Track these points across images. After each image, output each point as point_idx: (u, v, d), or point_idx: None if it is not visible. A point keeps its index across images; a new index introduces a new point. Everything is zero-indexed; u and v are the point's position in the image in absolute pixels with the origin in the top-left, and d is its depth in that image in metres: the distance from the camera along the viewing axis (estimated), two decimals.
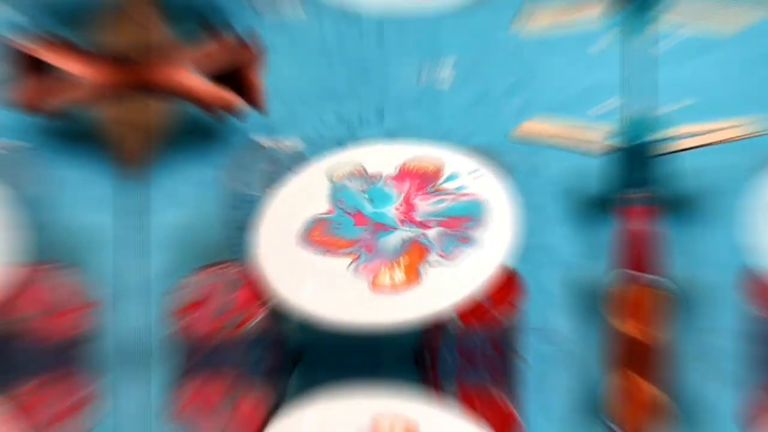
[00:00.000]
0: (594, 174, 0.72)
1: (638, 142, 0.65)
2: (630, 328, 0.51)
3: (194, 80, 0.66)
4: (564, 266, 0.69)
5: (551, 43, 0.78)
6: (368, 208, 0.61)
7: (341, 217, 0.60)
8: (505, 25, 0.80)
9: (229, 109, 0.67)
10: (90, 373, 0.59)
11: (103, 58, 0.63)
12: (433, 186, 0.63)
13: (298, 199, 0.61)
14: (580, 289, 0.67)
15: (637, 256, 0.61)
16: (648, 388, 0.54)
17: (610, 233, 0.68)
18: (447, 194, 0.61)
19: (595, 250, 0.68)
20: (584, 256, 0.69)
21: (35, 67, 0.61)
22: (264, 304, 0.53)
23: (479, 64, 0.82)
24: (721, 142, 0.61)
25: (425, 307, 0.53)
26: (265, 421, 0.55)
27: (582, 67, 0.77)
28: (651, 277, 0.56)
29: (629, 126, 0.66)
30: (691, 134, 0.62)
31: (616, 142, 0.67)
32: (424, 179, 0.63)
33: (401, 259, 0.57)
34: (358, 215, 0.60)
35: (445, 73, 0.82)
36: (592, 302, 0.65)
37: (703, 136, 0.61)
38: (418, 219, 0.60)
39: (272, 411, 0.56)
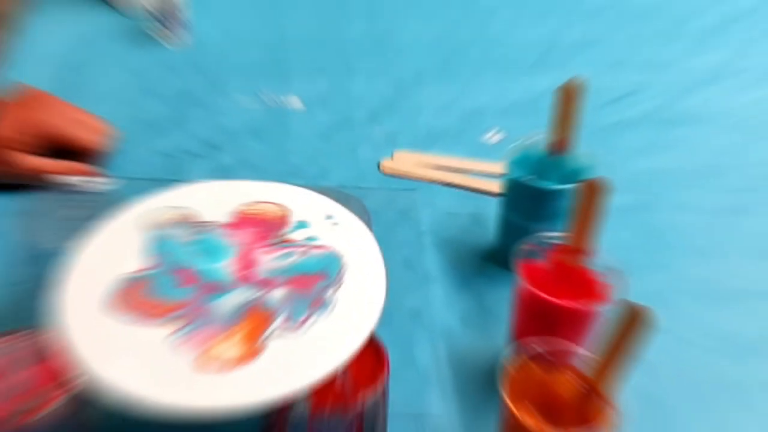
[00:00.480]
0: (480, 219, 0.60)
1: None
2: (521, 411, 0.36)
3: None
4: (442, 335, 0.50)
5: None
6: (198, 264, 0.41)
7: (163, 274, 0.40)
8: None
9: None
10: None
11: None
12: (279, 236, 0.43)
13: (110, 252, 0.41)
14: (459, 361, 0.49)
15: (534, 323, 0.46)
16: None
17: (502, 294, 0.53)
18: (296, 246, 0.42)
19: (479, 315, 0.52)
20: (465, 322, 0.51)
21: None
22: (66, 383, 0.35)
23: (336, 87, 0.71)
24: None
25: (266, 388, 0.34)
26: None
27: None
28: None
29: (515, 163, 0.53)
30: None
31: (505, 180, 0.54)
32: (267, 228, 0.43)
33: (238, 327, 0.37)
34: (185, 272, 0.40)
35: (293, 98, 0.68)
36: (474, 377, 0.48)
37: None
38: (259, 277, 0.40)
39: None
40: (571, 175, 0.53)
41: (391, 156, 0.63)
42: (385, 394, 0.39)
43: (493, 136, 0.66)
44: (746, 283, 0.57)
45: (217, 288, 0.41)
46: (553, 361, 0.41)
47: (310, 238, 0.44)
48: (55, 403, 0.35)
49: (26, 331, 0.38)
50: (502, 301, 0.53)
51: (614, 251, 0.47)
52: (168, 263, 0.42)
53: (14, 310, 0.48)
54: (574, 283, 0.46)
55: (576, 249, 0.46)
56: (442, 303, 0.53)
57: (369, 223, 0.45)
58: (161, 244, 0.43)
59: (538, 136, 0.54)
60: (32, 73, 0.67)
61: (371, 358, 0.39)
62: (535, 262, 0.47)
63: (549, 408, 0.40)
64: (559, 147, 0.53)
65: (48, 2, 0.77)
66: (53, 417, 0.35)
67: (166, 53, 0.71)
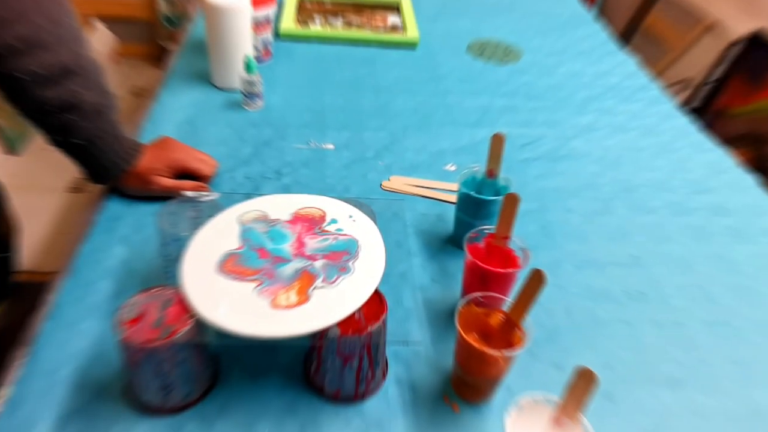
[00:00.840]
0: (443, 217, 0.58)
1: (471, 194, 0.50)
2: (469, 337, 0.36)
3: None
4: (419, 289, 0.49)
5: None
6: (269, 245, 0.40)
7: (248, 251, 0.39)
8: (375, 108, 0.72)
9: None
10: None
11: None
12: (319, 228, 0.42)
13: (216, 238, 0.41)
14: (430, 306, 0.48)
15: (476, 282, 0.44)
16: (476, 379, 0.39)
17: (457, 264, 0.53)
18: (330, 234, 0.42)
19: (443, 277, 0.51)
20: (434, 281, 0.50)
21: None
22: (190, 318, 0.34)
23: (354, 137, 0.69)
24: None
25: (312, 321, 0.34)
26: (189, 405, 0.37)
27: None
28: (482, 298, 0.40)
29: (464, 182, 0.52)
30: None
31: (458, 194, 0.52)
32: (312, 223, 0.43)
33: (294, 284, 0.37)
34: (262, 250, 0.39)
35: (328, 144, 0.66)
36: (440, 316, 0.47)
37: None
38: (307, 253, 0.40)
39: (197, 399, 0.37)
40: (498, 191, 0.52)
41: (389, 179, 0.62)
42: (384, 325, 0.38)
43: (450, 167, 0.65)
44: (603, 256, 0.56)
45: (281, 260, 0.40)
46: (488, 305, 0.41)
47: (338, 229, 0.43)
48: (183, 330, 0.34)
49: (166, 286, 0.37)
50: (457, 268, 0.53)
51: (524, 237, 0.47)
52: (251, 244, 0.41)
53: (160, 273, 0.47)
54: (500, 256, 0.46)
55: (501, 236, 0.46)
56: (419, 269, 0.52)
57: (374, 220, 0.44)
58: (247, 233, 0.42)
59: (478, 167, 0.53)
60: (165, 126, 0.66)
61: (376, 302, 0.38)
62: (477, 244, 0.47)
63: (486, 335, 0.40)
64: (491, 174, 0.52)
65: (175, 83, 0.75)
66: (182, 339, 0.34)
67: (249, 114, 0.70)
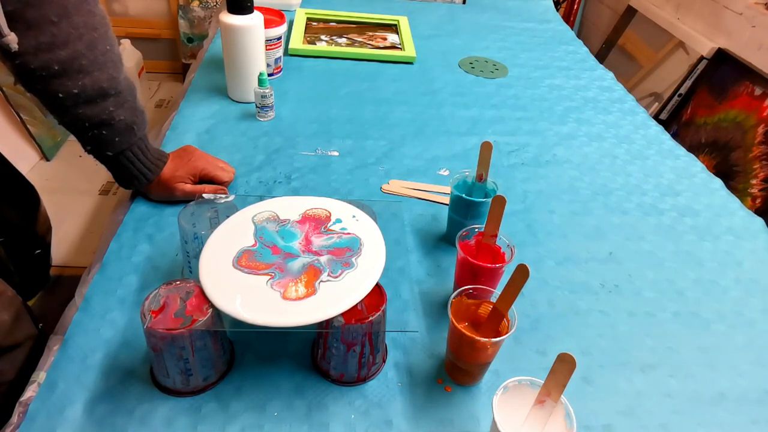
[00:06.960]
0: (437, 217, 0.58)
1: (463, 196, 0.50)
2: (460, 325, 0.35)
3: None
4: (416, 282, 0.49)
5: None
6: (280, 242, 0.40)
7: (261, 248, 0.39)
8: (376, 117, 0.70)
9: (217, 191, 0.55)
10: None
11: None
12: (325, 227, 0.42)
13: (232, 236, 0.40)
14: (426, 297, 0.48)
15: (467, 275, 0.44)
16: (467, 363, 0.38)
17: (450, 259, 0.52)
18: (334, 233, 0.41)
19: (437, 271, 0.51)
20: (429, 275, 0.50)
21: None
22: (208, 308, 0.34)
23: (357, 145, 0.68)
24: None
25: (319, 312, 0.34)
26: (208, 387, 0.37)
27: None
28: (474, 291, 0.39)
29: (456, 186, 0.51)
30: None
31: (451, 196, 0.52)
32: (318, 222, 0.42)
33: (302, 277, 0.36)
34: (274, 247, 0.39)
35: (333, 151, 0.66)
36: (434, 306, 0.46)
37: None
38: (314, 249, 0.39)
39: (215, 382, 0.37)
40: (487, 194, 0.52)
41: (388, 182, 0.62)
42: (384, 315, 0.38)
43: (444, 172, 0.65)
44: (582, 252, 0.56)
45: (291, 255, 0.40)
46: (477, 297, 0.41)
47: (342, 228, 0.42)
48: (202, 320, 0.34)
49: (187, 279, 0.37)
50: (450, 263, 0.53)
51: (510, 235, 0.47)
52: (264, 242, 0.41)
53: (181, 268, 0.47)
54: (489, 253, 0.46)
55: (490, 234, 0.46)
56: (416, 264, 0.52)
57: (375, 220, 0.44)
58: (260, 231, 0.42)
59: (468, 172, 0.53)
60: (186, 135, 0.66)
61: (377, 294, 0.38)
62: (467, 242, 0.47)
63: (475, 323, 0.40)
64: (480, 178, 0.52)
65: (195, 96, 0.74)
66: (201, 327, 0.34)
67: (262, 124, 0.69)
